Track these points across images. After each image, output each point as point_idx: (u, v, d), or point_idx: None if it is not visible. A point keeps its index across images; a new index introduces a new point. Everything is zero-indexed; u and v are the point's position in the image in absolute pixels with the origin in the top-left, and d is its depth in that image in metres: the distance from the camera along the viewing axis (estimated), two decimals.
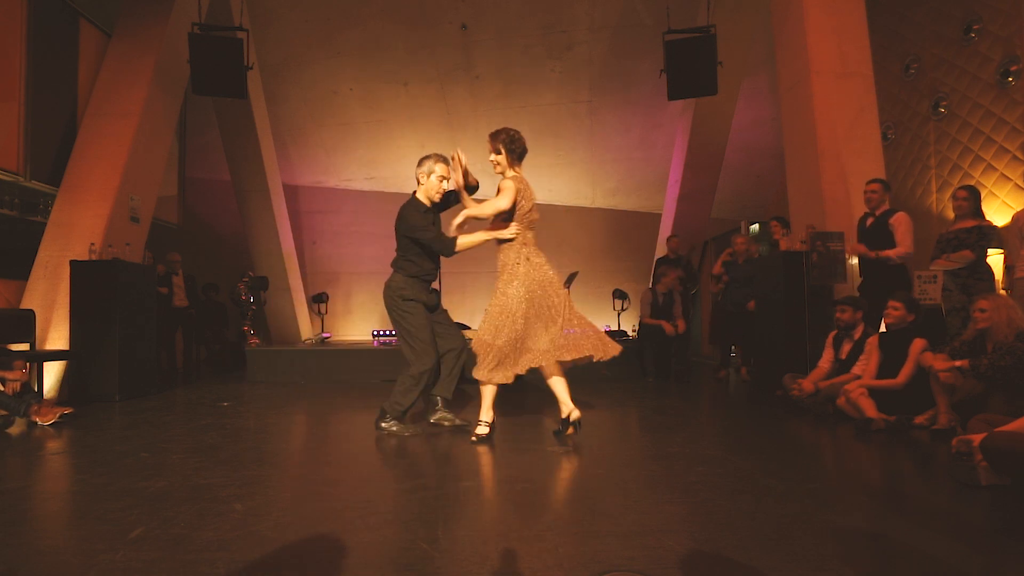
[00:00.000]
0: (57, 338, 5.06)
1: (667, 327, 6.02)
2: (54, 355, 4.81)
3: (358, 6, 7.37)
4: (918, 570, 1.55)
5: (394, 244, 3.45)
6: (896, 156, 6.48)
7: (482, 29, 7.59)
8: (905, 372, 3.51)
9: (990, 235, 4.09)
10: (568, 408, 3.13)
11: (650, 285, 6.77)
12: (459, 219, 3.10)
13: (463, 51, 7.86)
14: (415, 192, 3.38)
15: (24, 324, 4.76)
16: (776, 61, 5.62)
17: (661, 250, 8.78)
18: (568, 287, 7.91)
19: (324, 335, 8.06)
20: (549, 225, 10.52)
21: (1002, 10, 5.21)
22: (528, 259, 3.09)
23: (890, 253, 4.24)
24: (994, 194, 5.31)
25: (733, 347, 6.46)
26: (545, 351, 3.04)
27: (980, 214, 4.18)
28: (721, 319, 6.27)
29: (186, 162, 8.66)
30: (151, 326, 5.31)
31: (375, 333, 9.37)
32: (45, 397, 4.48)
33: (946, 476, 2.39)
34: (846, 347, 4.03)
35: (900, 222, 4.23)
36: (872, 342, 3.80)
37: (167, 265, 6.92)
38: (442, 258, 3.45)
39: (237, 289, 7.95)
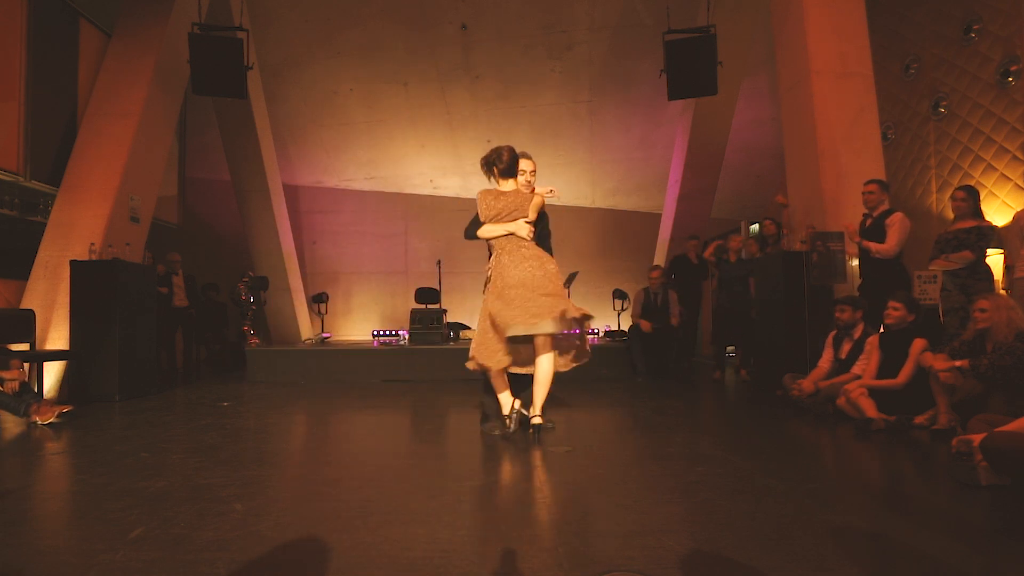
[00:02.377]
0: (57, 338, 5.06)
1: (644, 324, 6.09)
2: (54, 355, 4.81)
3: (358, 6, 7.37)
4: (918, 570, 1.55)
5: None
6: (896, 156, 6.48)
7: (482, 29, 7.59)
8: (905, 372, 3.51)
9: (989, 235, 4.08)
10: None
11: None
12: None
13: (463, 51, 7.86)
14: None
15: (24, 324, 4.76)
16: (776, 61, 5.62)
17: (662, 250, 8.78)
18: (568, 287, 7.97)
19: (324, 335, 8.06)
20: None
21: (1002, 10, 5.22)
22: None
23: (871, 245, 4.27)
24: (994, 194, 5.31)
25: (731, 348, 6.46)
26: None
27: (979, 214, 4.17)
28: (720, 318, 6.28)
29: (186, 162, 8.66)
30: (151, 326, 5.31)
31: (375, 333, 9.37)
32: (45, 397, 4.48)
33: (946, 476, 2.39)
34: (846, 347, 4.03)
35: (895, 222, 4.23)
36: (872, 342, 3.80)
37: (167, 265, 6.92)
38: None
39: (237, 289, 7.95)
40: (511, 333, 3.05)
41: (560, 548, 1.67)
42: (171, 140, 6.60)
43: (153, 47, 5.79)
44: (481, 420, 3.44)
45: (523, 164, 3.33)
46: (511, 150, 3.25)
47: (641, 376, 6.03)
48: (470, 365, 3.23)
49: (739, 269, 6.01)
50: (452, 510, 2.02)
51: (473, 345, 3.23)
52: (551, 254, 3.35)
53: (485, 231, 3.25)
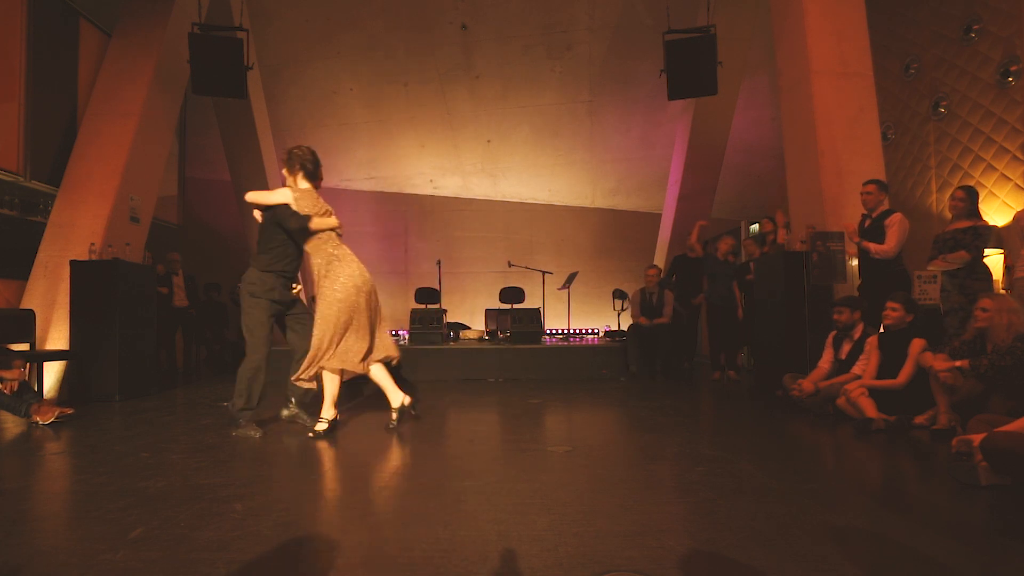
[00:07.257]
0: (57, 338, 5.06)
1: (642, 320, 6.18)
2: (54, 355, 4.81)
3: (358, 6, 7.37)
4: (918, 570, 1.55)
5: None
6: (896, 156, 6.48)
7: (482, 29, 7.59)
8: (905, 372, 3.51)
9: (986, 235, 4.09)
10: (399, 396, 3.61)
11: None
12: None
13: (463, 51, 7.86)
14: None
15: (24, 324, 4.76)
16: (776, 61, 5.62)
17: (662, 250, 8.78)
18: (568, 287, 7.97)
19: None
20: (549, 225, 10.56)
21: (1002, 10, 5.22)
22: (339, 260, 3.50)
23: (871, 246, 4.27)
24: (994, 194, 5.31)
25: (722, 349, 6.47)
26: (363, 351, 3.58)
27: (977, 214, 4.17)
28: (711, 316, 6.32)
29: (186, 162, 8.66)
30: (151, 326, 5.31)
31: None
32: (45, 397, 4.48)
33: (946, 476, 2.39)
34: (846, 347, 4.03)
35: (894, 223, 4.24)
36: (872, 342, 3.80)
37: (167, 265, 6.92)
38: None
39: (237, 289, 7.94)
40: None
41: (560, 548, 1.67)
42: (171, 140, 6.60)
43: (153, 47, 5.79)
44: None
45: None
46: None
47: (627, 377, 6.07)
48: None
49: (725, 268, 6.12)
50: (452, 510, 2.02)
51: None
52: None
53: (319, 223, 3.44)
